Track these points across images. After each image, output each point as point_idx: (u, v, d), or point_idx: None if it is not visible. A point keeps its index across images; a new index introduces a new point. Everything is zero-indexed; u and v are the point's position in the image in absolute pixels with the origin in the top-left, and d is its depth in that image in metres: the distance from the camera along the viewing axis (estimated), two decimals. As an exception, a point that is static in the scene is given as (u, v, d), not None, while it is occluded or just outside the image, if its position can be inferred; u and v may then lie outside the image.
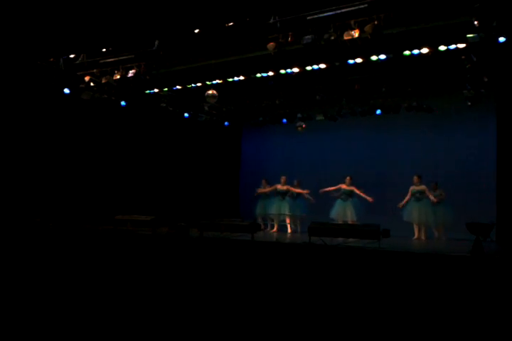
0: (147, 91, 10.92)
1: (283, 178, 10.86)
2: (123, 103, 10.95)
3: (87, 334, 4.27)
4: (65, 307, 5.06)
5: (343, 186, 10.18)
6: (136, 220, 8.31)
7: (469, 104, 8.77)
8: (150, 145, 11.80)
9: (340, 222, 9.76)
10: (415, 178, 9.56)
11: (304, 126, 11.41)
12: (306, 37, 7.19)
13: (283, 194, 10.80)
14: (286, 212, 10.58)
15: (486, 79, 8.23)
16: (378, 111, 10.82)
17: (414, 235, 9.47)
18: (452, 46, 7.50)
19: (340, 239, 6.67)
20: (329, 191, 10.31)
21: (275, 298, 5.31)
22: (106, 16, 7.94)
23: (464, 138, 10.45)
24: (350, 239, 6.57)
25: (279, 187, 10.84)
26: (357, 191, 10.06)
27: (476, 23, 6.37)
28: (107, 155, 11.01)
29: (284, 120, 12.04)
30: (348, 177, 10.18)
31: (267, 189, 11.03)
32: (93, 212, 10.03)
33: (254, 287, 5.60)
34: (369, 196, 10.02)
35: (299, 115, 11.55)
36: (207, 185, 12.44)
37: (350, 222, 9.69)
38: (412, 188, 9.57)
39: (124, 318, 4.77)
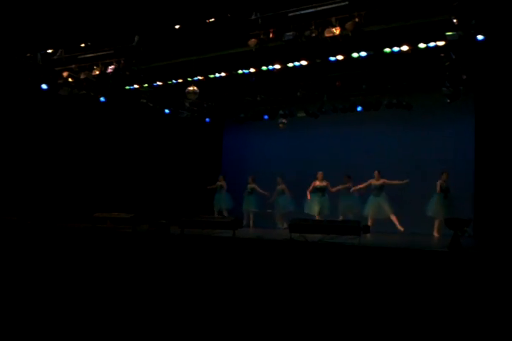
0: (127, 87, 10.79)
1: (320, 174, 10.59)
2: (102, 99, 10.82)
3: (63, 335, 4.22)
4: (43, 307, 4.98)
5: (373, 181, 9.96)
6: (115, 218, 8.21)
7: (448, 101, 8.88)
8: (130, 141, 11.68)
9: (372, 219, 9.65)
10: (445, 174, 9.29)
11: (285, 121, 11.42)
12: (288, 33, 7.18)
13: (322, 190, 10.54)
14: (327, 209, 10.37)
15: (464, 77, 8.33)
16: (359, 108, 10.90)
17: (433, 231, 9.28)
18: (432, 44, 7.57)
19: (321, 235, 6.69)
20: (360, 188, 10.09)
21: (257, 294, 5.31)
22: (85, 10, 7.82)
23: (442, 134, 10.57)
24: (331, 235, 6.59)
25: (317, 183, 10.55)
26: (388, 182, 9.85)
27: (455, 21, 6.44)
28: (86, 152, 10.88)
29: (266, 116, 12.04)
30: (376, 172, 9.94)
31: (310, 188, 10.60)
32: (71, 209, 9.90)
33: (236, 284, 5.59)
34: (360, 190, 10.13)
35: (281, 111, 11.55)
36: (188, 181, 12.37)
37: (386, 217, 9.61)
38: (441, 184, 9.34)
39: (101, 318, 4.71)
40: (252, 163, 13.02)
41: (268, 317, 4.79)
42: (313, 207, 10.42)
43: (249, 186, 11.53)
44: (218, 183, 11.88)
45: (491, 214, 8.33)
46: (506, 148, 8.25)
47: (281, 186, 11.25)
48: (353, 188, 10.13)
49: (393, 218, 9.69)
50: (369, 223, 9.49)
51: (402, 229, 9.54)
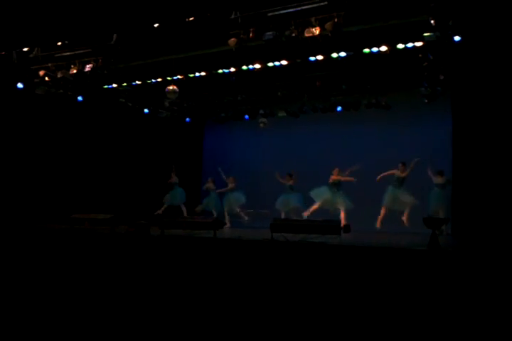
0: (105, 87, 10.65)
1: (336, 170, 10.35)
2: (80, 98, 10.66)
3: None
4: (19, 308, 4.88)
5: (397, 172, 9.81)
6: (94, 219, 8.08)
7: (426, 101, 8.98)
8: (109, 142, 11.53)
9: (386, 209, 9.65)
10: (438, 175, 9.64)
11: (265, 121, 11.47)
12: (268, 33, 7.17)
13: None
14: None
15: (442, 77, 8.44)
16: (339, 108, 11.00)
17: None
18: (410, 44, 7.66)
19: (303, 235, 6.70)
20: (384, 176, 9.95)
21: (239, 294, 5.29)
22: (61, 8, 7.69)
23: (420, 134, 10.73)
24: (312, 235, 6.60)
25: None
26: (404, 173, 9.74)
27: (432, 22, 6.52)
28: (63, 152, 10.70)
29: (246, 116, 12.04)
30: (401, 164, 9.80)
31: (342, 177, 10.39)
32: (49, 210, 9.72)
33: (218, 285, 5.56)
34: None
35: (261, 111, 11.57)
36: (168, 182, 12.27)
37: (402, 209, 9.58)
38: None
39: (78, 319, 4.64)
40: (233, 163, 12.98)
41: (250, 317, 4.78)
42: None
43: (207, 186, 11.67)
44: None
45: (469, 213, 8.44)
46: (482, 147, 8.38)
47: (232, 185, 11.38)
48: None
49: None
50: (382, 212, 9.69)
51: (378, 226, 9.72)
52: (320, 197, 10.33)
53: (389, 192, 9.94)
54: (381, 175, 10.02)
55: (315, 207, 10.24)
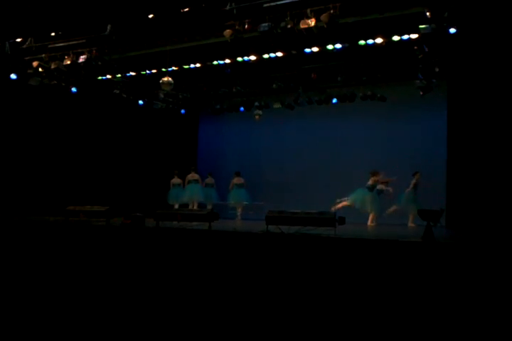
0: (99, 78, 10.60)
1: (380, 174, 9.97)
2: (74, 89, 10.61)
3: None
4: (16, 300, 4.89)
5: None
6: (89, 211, 8.05)
7: (421, 93, 9.00)
8: (103, 133, 11.49)
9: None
10: (419, 174, 9.70)
11: (260, 113, 11.48)
12: (263, 24, 7.13)
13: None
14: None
15: (437, 70, 8.45)
16: (334, 100, 11.00)
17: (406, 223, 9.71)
18: (405, 36, 7.65)
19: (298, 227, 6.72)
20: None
21: (234, 286, 5.32)
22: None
23: (416, 126, 10.77)
24: (307, 227, 6.62)
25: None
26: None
27: (428, 14, 6.51)
28: (57, 144, 10.66)
29: (242, 108, 12.02)
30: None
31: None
32: (43, 202, 9.70)
33: (213, 276, 5.59)
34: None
35: (256, 103, 11.55)
36: (163, 173, 12.26)
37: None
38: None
39: (75, 313, 4.66)
40: (228, 154, 13.00)
41: (245, 309, 4.81)
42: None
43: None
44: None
45: (463, 205, 8.51)
46: (478, 139, 8.42)
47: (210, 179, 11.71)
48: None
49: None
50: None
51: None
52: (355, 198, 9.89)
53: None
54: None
55: (344, 203, 9.88)
